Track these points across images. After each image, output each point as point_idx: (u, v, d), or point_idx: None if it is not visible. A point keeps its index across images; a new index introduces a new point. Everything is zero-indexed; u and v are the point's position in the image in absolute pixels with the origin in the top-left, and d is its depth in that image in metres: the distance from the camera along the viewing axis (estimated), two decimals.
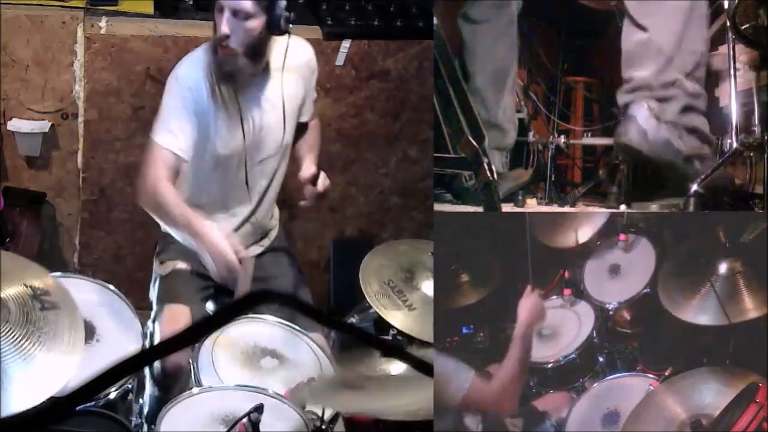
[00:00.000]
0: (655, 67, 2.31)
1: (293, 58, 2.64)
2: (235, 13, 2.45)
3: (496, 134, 2.72)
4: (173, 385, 2.50)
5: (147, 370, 2.54)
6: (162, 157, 2.52)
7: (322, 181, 2.73)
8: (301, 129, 2.86)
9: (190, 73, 2.56)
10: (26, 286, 2.14)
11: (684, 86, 2.31)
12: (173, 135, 2.53)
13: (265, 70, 2.61)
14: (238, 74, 2.54)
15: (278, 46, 2.59)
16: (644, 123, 2.27)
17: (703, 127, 2.36)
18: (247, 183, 2.69)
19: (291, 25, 2.52)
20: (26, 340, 2.04)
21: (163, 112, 2.57)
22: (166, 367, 2.52)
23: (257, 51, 2.54)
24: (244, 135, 2.60)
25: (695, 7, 2.30)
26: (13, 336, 2.03)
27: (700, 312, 2.13)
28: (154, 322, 2.64)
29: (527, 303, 2.13)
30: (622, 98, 2.40)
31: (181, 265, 2.71)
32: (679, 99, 2.31)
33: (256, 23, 2.47)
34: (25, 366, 2.00)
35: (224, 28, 2.45)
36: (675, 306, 2.18)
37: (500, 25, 2.67)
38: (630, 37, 2.37)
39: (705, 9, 2.35)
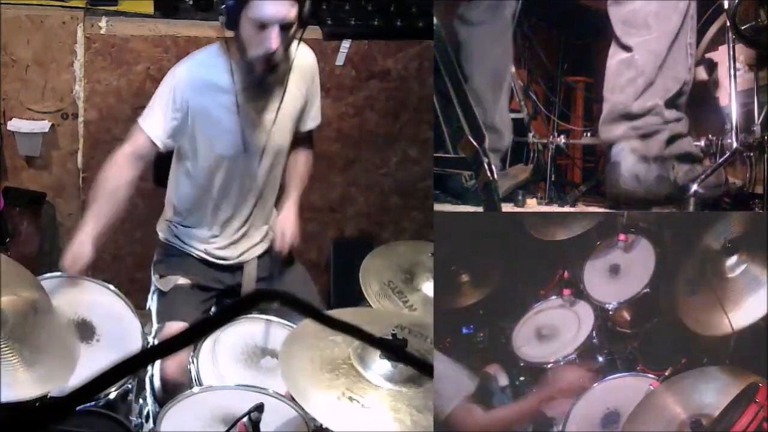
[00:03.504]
0: (635, 89, 2.30)
1: (298, 60, 2.63)
2: (284, 26, 2.41)
3: (492, 137, 2.72)
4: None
5: (148, 387, 2.53)
6: (137, 137, 2.59)
7: (290, 238, 2.76)
8: (307, 139, 2.86)
9: (188, 76, 2.56)
10: (19, 294, 2.14)
11: (663, 114, 2.30)
12: (153, 120, 2.58)
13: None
14: (266, 82, 2.54)
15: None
16: (633, 167, 2.28)
17: (690, 149, 2.36)
18: (250, 183, 2.69)
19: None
20: (22, 346, 2.04)
21: (152, 101, 2.62)
22: (165, 382, 2.51)
23: (285, 55, 2.51)
24: (244, 137, 2.59)
25: (681, 34, 2.29)
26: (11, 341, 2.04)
27: (700, 312, 2.13)
28: (154, 338, 2.62)
29: (571, 376, 2.19)
30: (604, 132, 2.40)
31: (182, 280, 2.69)
32: (661, 132, 2.30)
33: (294, 27, 2.45)
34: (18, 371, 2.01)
35: (274, 44, 2.40)
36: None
37: (496, 28, 2.67)
38: (614, 58, 2.37)
39: (692, 38, 2.34)
